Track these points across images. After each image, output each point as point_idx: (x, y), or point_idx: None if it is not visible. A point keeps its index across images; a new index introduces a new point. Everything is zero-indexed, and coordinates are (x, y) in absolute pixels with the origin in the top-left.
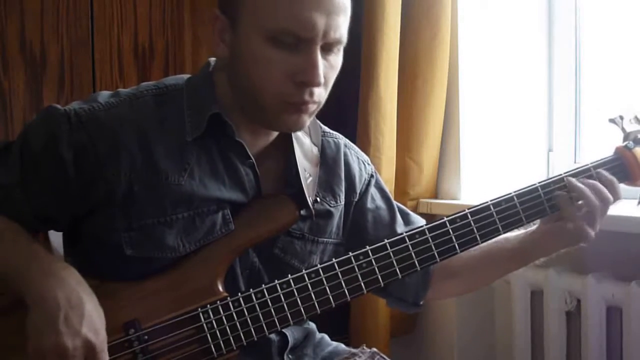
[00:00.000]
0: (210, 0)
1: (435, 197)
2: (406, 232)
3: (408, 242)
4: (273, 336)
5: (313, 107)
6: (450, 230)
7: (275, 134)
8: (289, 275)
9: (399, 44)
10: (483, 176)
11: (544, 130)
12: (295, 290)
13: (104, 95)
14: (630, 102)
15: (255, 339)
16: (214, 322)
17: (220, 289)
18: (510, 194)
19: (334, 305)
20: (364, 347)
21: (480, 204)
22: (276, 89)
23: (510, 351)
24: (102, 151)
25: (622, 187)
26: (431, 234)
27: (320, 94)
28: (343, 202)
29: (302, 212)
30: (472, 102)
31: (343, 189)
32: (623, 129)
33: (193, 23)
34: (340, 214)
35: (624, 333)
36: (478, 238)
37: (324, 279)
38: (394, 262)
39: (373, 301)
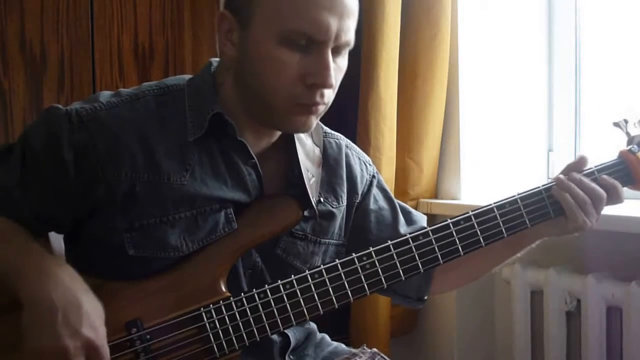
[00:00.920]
0: (210, 0)
1: (435, 197)
2: (410, 234)
3: (412, 244)
4: (275, 337)
5: (322, 109)
6: (454, 232)
7: (277, 134)
8: (292, 276)
9: (399, 44)
10: (483, 176)
11: (544, 130)
12: (298, 291)
13: (105, 95)
14: (630, 102)
15: (258, 339)
16: (216, 321)
17: (223, 288)
18: (513, 196)
19: (337, 306)
20: (364, 347)
21: (484, 207)
22: (287, 90)
23: (510, 351)
24: (103, 151)
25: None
26: (434, 236)
27: (329, 95)
28: (345, 203)
29: (306, 212)
30: (472, 102)
31: (345, 190)
32: (627, 133)
33: (193, 23)
34: (342, 215)
35: (624, 333)
36: (481, 240)
37: (327, 280)
38: (398, 263)
39: (373, 301)
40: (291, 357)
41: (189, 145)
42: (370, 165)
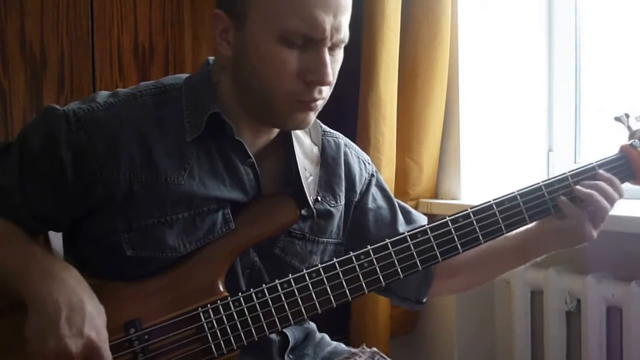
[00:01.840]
0: (210, 0)
1: (435, 197)
2: (408, 232)
3: (410, 242)
4: (274, 336)
5: (320, 104)
6: (453, 230)
7: (275, 133)
8: (290, 275)
9: (399, 44)
10: (483, 176)
11: (544, 130)
12: (296, 290)
13: (102, 95)
14: (630, 102)
15: (256, 338)
16: (214, 321)
17: (221, 288)
18: (513, 193)
19: (335, 305)
20: (364, 347)
21: (483, 203)
22: (287, 88)
23: (510, 351)
24: (101, 151)
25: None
26: (433, 234)
27: (327, 90)
28: (343, 202)
29: (303, 211)
30: (472, 102)
31: (343, 189)
32: (629, 127)
33: (193, 23)
34: (341, 214)
35: (624, 333)
36: (480, 238)
37: (324, 279)
38: (396, 261)
39: (373, 301)
40: (290, 356)
41: (186, 145)
42: (369, 164)
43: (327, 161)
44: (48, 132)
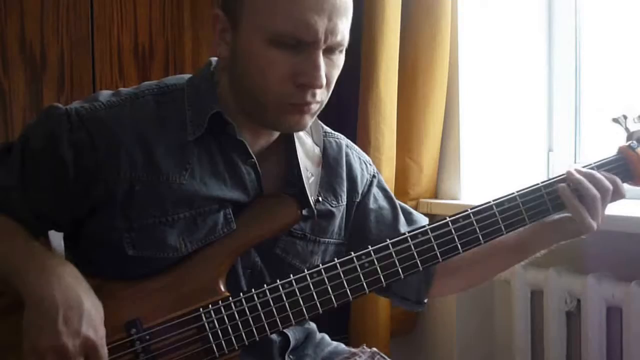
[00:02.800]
0: (210, 0)
1: (435, 197)
2: (408, 232)
3: (410, 242)
4: (275, 336)
5: (315, 108)
6: (453, 230)
7: (276, 134)
8: (291, 275)
9: (399, 44)
10: (483, 176)
11: (544, 130)
12: (297, 290)
13: (104, 94)
14: (630, 102)
15: (257, 339)
16: (215, 321)
17: (222, 288)
18: (512, 193)
19: (336, 305)
20: (364, 347)
21: (483, 204)
22: (277, 90)
23: (510, 351)
24: (102, 151)
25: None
26: (433, 234)
27: (323, 94)
28: (345, 203)
29: (304, 212)
30: (472, 102)
31: (345, 189)
32: (626, 129)
33: (193, 23)
34: (342, 215)
35: (624, 333)
36: (480, 238)
37: (325, 279)
38: (396, 262)
39: (373, 301)
40: (291, 356)
41: (188, 145)
42: (370, 165)
43: (329, 162)
44: (49, 131)
